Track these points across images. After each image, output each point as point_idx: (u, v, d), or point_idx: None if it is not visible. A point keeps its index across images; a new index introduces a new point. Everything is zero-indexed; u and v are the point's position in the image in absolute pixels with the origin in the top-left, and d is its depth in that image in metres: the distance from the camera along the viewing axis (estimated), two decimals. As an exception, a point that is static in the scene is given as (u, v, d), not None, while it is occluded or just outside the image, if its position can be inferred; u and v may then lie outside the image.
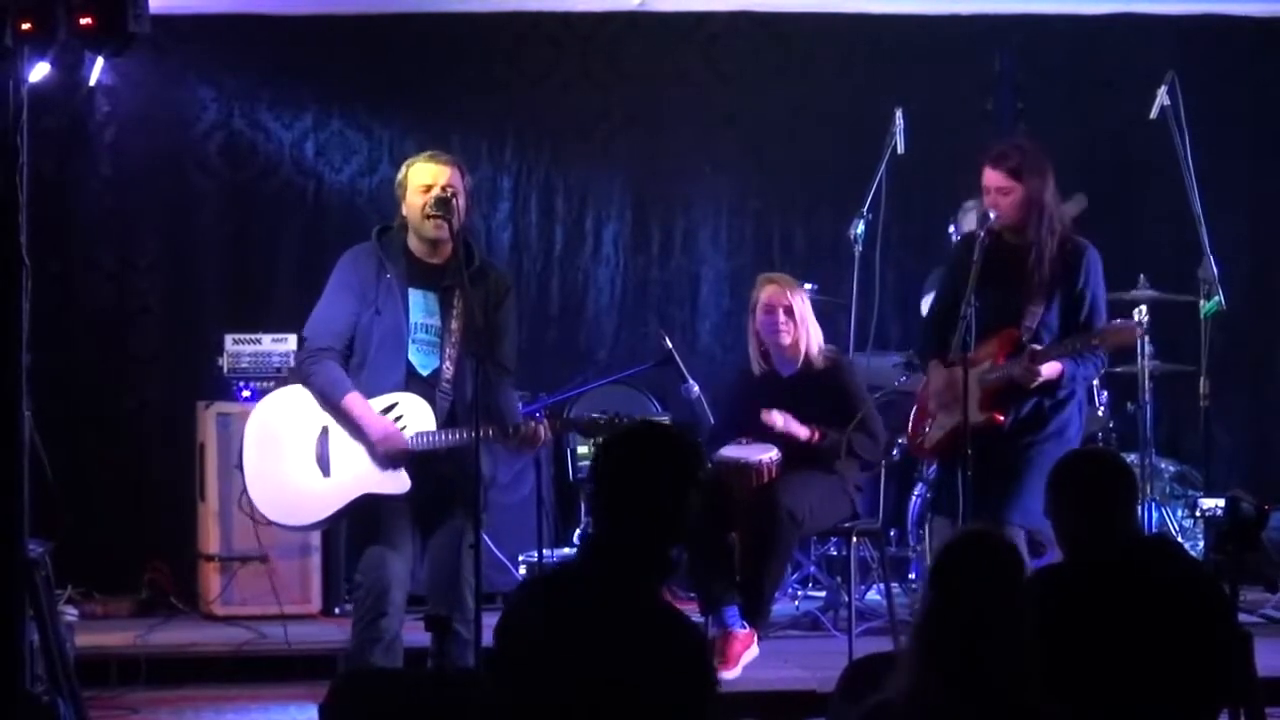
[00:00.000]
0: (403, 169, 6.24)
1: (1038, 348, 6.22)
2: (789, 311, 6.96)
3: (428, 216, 6.08)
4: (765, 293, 7.02)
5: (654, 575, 3.78)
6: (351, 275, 6.21)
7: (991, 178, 6.32)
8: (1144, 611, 4.13)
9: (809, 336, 7.03)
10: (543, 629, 3.67)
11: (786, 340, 6.97)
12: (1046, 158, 6.38)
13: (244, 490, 6.23)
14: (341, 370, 6.14)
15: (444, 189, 6.09)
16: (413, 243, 6.19)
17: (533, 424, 6.11)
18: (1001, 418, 6.26)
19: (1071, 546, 4.34)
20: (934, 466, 8.07)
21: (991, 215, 6.33)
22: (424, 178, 6.13)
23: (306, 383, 6.19)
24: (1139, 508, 4.45)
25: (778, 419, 6.84)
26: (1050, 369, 6.22)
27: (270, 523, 6.34)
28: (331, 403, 6.11)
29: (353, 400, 6.07)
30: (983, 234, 6.35)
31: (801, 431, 6.85)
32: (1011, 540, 4.03)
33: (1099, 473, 4.40)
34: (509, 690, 3.69)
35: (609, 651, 3.61)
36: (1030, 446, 6.27)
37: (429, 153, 6.28)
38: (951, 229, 8.21)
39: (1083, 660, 4.02)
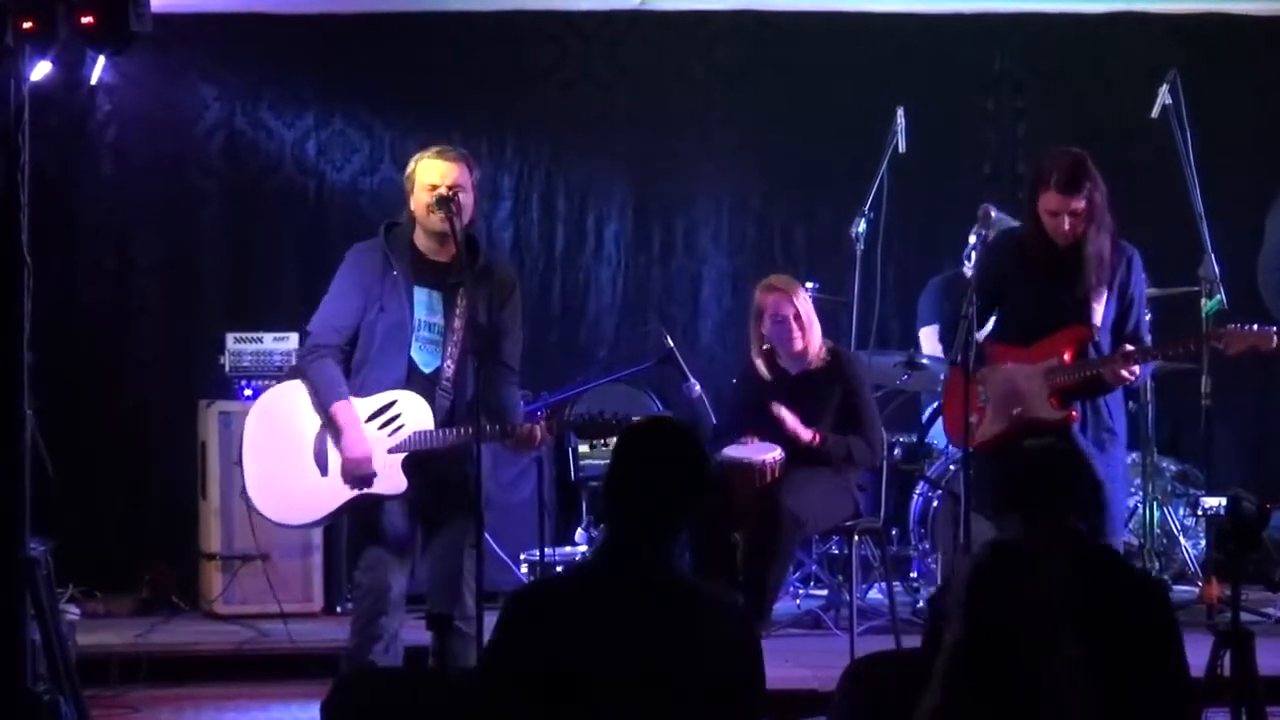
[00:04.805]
0: (411, 163, 6.21)
1: (1130, 347, 6.16)
2: (797, 317, 7.00)
3: (431, 211, 6.07)
4: (772, 300, 7.02)
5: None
6: (357, 272, 6.20)
7: (1066, 203, 6.18)
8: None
9: (815, 336, 7.06)
10: (581, 636, 3.53)
11: (799, 346, 7.00)
12: (1092, 163, 6.29)
13: (243, 487, 6.24)
14: (339, 370, 6.12)
15: (450, 188, 6.08)
16: (419, 239, 6.18)
17: (528, 426, 6.09)
18: (1076, 415, 6.18)
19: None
20: (936, 466, 8.10)
21: (1066, 230, 6.19)
22: (431, 176, 6.10)
23: (304, 379, 6.19)
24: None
25: (786, 416, 6.84)
26: (1137, 369, 6.15)
27: (267, 520, 6.34)
28: (322, 404, 6.10)
29: (340, 409, 6.04)
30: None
31: (805, 434, 6.85)
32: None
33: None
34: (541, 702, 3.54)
35: (668, 648, 3.53)
36: (1106, 452, 6.22)
37: (437, 149, 6.24)
38: (973, 239, 8.02)
39: None
